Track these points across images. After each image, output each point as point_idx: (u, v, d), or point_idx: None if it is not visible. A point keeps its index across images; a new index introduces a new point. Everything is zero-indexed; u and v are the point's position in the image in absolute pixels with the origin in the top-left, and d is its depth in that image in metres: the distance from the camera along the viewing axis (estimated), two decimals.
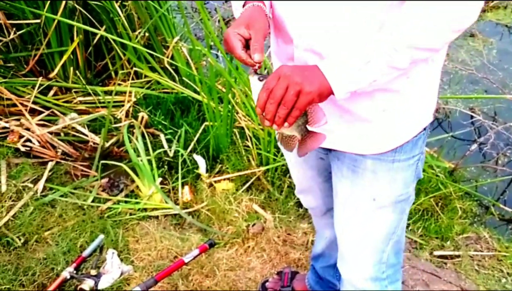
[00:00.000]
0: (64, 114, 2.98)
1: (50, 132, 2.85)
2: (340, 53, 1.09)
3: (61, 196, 2.55)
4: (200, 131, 2.75)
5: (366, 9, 1.09)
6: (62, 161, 2.78)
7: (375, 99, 1.20)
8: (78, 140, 2.92)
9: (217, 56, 3.45)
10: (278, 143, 1.28)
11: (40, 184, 2.60)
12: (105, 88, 3.16)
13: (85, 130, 2.91)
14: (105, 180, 2.69)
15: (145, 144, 2.72)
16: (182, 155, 2.65)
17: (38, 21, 3.00)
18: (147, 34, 3.18)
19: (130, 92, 3.04)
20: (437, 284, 2.23)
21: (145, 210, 2.51)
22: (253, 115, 2.71)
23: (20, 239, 2.34)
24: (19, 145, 2.78)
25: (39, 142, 2.80)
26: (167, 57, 3.13)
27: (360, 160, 1.32)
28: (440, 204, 2.55)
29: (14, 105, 2.95)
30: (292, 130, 1.13)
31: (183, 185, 2.59)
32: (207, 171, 2.64)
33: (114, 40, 3.04)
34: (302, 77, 1.05)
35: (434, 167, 2.67)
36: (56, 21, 2.96)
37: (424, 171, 1.99)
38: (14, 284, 2.16)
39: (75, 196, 2.55)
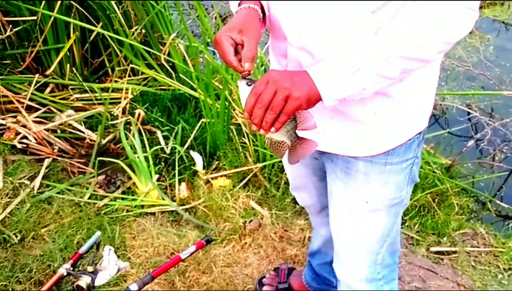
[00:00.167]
0: (61, 111, 2.98)
1: (47, 129, 2.85)
2: (330, 58, 1.08)
3: (58, 192, 2.55)
4: (197, 128, 2.75)
5: (358, 9, 1.09)
6: (59, 158, 2.78)
7: (366, 102, 1.19)
8: (75, 137, 2.91)
9: (214, 53, 3.44)
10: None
11: (37, 181, 2.60)
12: (102, 85, 3.15)
13: (82, 127, 2.91)
14: (102, 177, 2.69)
15: (142, 141, 2.72)
16: (179, 152, 2.65)
17: (35, 18, 2.99)
18: (143, 31, 3.18)
19: (127, 89, 3.04)
20: (433, 280, 2.24)
21: (142, 206, 2.51)
22: None
23: (16, 236, 2.34)
24: (15, 142, 2.78)
25: (35, 139, 2.80)
26: (164, 54, 3.13)
27: (353, 162, 1.32)
28: (436, 200, 2.55)
29: (11, 102, 2.94)
30: (281, 136, 1.13)
31: (180, 181, 2.59)
32: (204, 167, 2.64)
33: (110, 37, 3.03)
34: (291, 83, 1.05)
35: (430, 163, 2.67)
36: (52, 18, 2.95)
37: (421, 167, 1.99)
38: (11, 281, 2.15)
39: (71, 193, 2.55)
